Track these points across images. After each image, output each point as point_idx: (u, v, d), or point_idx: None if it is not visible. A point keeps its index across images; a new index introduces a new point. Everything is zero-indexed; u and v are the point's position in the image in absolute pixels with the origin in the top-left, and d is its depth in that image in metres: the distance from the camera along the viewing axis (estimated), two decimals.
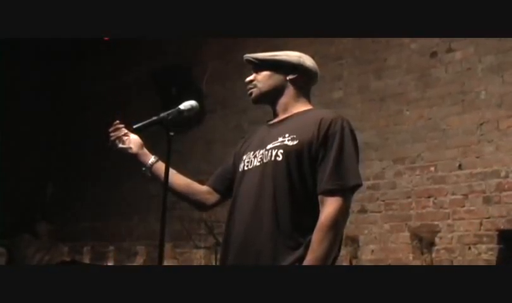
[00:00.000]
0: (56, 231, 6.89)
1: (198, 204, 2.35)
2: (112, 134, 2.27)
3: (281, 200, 1.99)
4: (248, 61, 2.27)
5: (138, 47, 6.53)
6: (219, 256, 5.08)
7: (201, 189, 2.33)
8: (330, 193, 1.95)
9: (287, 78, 2.19)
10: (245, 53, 2.27)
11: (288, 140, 2.06)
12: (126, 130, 2.28)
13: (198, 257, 5.59)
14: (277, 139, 2.08)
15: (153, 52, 6.53)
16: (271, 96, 2.21)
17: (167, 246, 5.58)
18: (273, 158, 2.05)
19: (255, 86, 2.22)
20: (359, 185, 1.99)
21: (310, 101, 2.24)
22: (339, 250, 2.05)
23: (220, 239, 5.22)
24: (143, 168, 2.29)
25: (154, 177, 2.28)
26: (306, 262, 1.90)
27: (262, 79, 2.21)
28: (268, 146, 2.09)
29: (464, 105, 4.23)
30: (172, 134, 2.08)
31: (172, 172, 2.18)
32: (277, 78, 2.20)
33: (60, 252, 6.68)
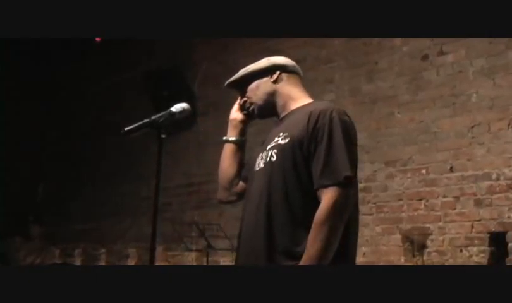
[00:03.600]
0: (48, 234, 6.86)
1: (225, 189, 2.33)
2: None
3: (276, 200, 1.99)
4: (231, 85, 2.30)
5: (132, 47, 6.51)
6: (210, 259, 5.11)
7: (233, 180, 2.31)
8: (324, 188, 1.92)
9: (272, 80, 2.20)
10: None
11: (281, 139, 2.05)
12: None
13: (190, 260, 5.58)
14: (274, 139, 2.09)
15: (148, 53, 6.52)
16: (269, 103, 2.20)
17: (159, 249, 5.56)
18: (269, 159, 2.06)
19: (252, 103, 2.24)
20: (349, 177, 1.92)
21: (308, 95, 2.22)
22: (355, 246, 2.03)
23: (212, 242, 5.23)
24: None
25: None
26: (301, 263, 1.88)
27: (252, 94, 2.23)
28: (268, 147, 2.10)
29: (455, 107, 4.25)
30: (163, 136, 2.08)
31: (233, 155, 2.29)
32: (264, 84, 2.21)
33: (52, 254, 6.65)
